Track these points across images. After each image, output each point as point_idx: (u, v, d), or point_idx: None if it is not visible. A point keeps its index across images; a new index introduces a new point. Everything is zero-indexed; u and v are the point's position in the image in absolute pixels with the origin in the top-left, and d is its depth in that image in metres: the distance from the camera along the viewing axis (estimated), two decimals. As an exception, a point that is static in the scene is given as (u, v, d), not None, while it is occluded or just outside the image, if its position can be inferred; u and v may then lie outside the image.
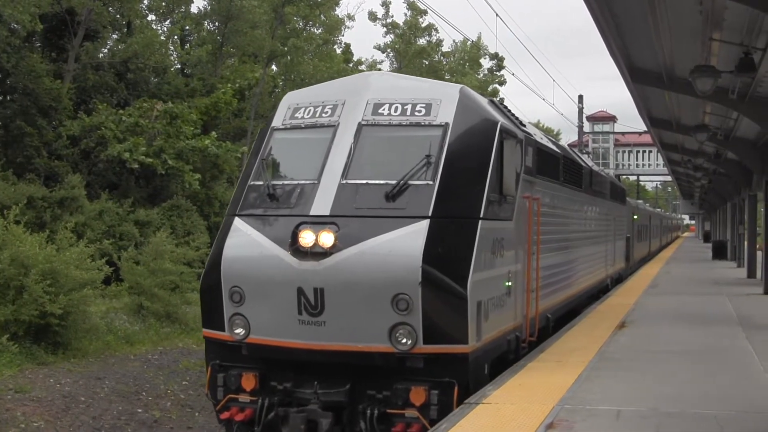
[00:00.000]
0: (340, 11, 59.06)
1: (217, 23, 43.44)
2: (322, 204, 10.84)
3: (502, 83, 65.15)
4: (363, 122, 11.46)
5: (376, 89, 11.92)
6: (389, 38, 59.66)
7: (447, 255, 10.64)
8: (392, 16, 59.79)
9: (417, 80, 13.84)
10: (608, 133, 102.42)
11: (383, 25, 59.63)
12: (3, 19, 29.21)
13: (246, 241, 11.12)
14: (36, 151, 31.05)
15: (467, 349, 10.53)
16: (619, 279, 30.42)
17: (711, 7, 14.58)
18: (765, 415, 9.63)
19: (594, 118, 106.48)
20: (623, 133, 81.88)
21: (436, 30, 59.83)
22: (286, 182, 11.56)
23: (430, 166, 10.96)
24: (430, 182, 10.87)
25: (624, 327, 17.18)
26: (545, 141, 16.41)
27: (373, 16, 59.45)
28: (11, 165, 29.88)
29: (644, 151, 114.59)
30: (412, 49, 57.67)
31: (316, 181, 11.12)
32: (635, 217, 39.11)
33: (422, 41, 59.29)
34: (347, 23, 55.93)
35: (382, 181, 10.91)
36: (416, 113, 11.48)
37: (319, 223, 10.61)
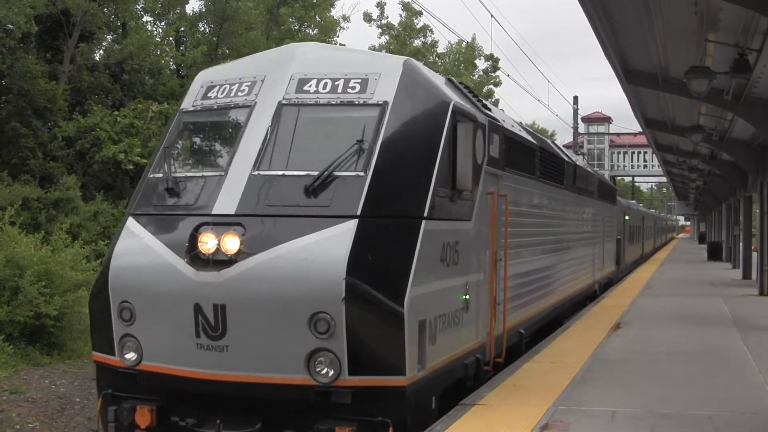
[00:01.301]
0: (335, 12, 59.00)
1: (212, 24, 43.44)
2: (227, 201, 8.97)
3: (497, 84, 65.15)
4: (284, 101, 9.56)
5: (303, 63, 9.96)
6: (384, 39, 59.63)
7: (379, 263, 8.74)
8: (387, 17, 59.84)
9: (355, 51, 11.60)
10: (603, 134, 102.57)
11: (378, 26, 59.67)
12: (-2, 20, 29.15)
13: (137, 246, 9.24)
14: (31, 152, 30.99)
15: (404, 382, 8.60)
16: (608, 284, 28.85)
17: (706, 8, 14.59)
18: (760, 416, 9.65)
19: (589, 119, 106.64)
20: (618, 134, 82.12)
21: (431, 31, 59.92)
22: (189, 174, 9.64)
23: (363, 154, 9.04)
24: (361, 173, 8.96)
25: (619, 328, 17.20)
26: (518, 130, 14.44)
27: (368, 17, 59.46)
28: (6, 166, 29.83)
29: (639, 152, 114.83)
30: (407, 51, 57.57)
31: (222, 173, 9.26)
32: (627, 217, 37.76)
33: (417, 42, 59.32)
34: (342, 24, 55.92)
35: (302, 173, 8.99)
36: (349, 90, 9.58)
37: (222, 224, 8.75)
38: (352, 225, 8.63)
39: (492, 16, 71.93)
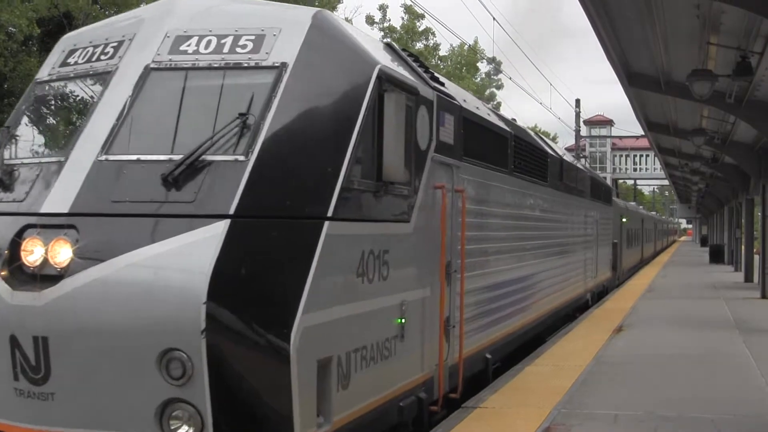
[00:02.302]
0: (338, 15, 59.05)
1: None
2: (61, 195, 6.66)
3: (499, 87, 65.24)
4: (152, 65, 7.32)
5: (182, 16, 7.68)
6: (387, 42, 59.60)
7: (258, 282, 6.44)
8: (389, 20, 59.83)
9: (254, 2, 8.33)
10: (605, 137, 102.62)
11: (380, 29, 59.66)
12: (0, 24, 29.22)
13: None
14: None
15: None
16: (603, 292, 26.55)
17: (708, 11, 14.59)
18: (762, 419, 9.63)
19: (591, 122, 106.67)
20: (620, 137, 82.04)
21: (433, 34, 59.90)
22: (26, 161, 7.40)
23: (246, 133, 6.77)
24: (241, 158, 6.64)
25: (621, 331, 17.19)
26: (485, 113, 12.20)
27: (370, 20, 59.47)
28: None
29: (641, 155, 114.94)
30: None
31: (62, 159, 6.97)
32: (624, 219, 35.78)
33: (419, 45, 59.32)
34: (344, 27, 55.80)
35: (163, 157, 6.71)
36: (238, 50, 7.31)
37: (53, 226, 6.46)
38: (221, 228, 6.29)
39: (494, 18, 71.87)
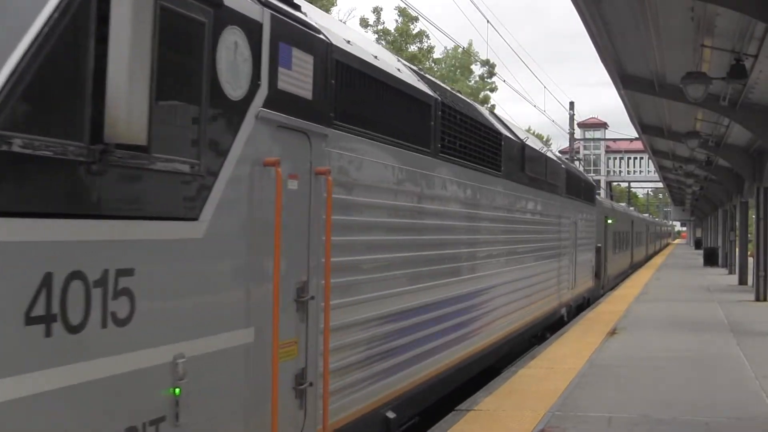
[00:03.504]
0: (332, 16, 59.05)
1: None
2: None
3: (493, 90, 65.21)
4: None
5: None
6: (380, 45, 59.76)
7: None
8: (383, 23, 59.86)
9: None
10: (599, 139, 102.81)
11: (374, 32, 59.68)
12: None
13: None
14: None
15: None
16: (582, 305, 23.35)
17: (703, 13, 14.59)
18: (757, 422, 9.61)
19: (585, 125, 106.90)
20: (614, 140, 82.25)
21: (428, 37, 59.90)
22: None
23: None
24: None
25: (615, 334, 17.18)
26: (384, 64, 8.86)
27: (364, 23, 59.46)
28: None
29: (635, 158, 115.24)
30: (403, 56, 57.72)
31: None
32: (609, 221, 32.32)
33: (413, 48, 59.34)
34: (339, 29, 55.91)
35: None
36: None
37: None
38: None
39: (488, 21, 72.04)
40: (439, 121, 10.15)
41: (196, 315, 5.33)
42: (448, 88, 12.31)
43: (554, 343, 15.83)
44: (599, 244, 27.61)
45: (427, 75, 11.55)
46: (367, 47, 8.86)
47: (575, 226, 21.07)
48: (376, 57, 8.68)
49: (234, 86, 5.74)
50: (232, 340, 5.71)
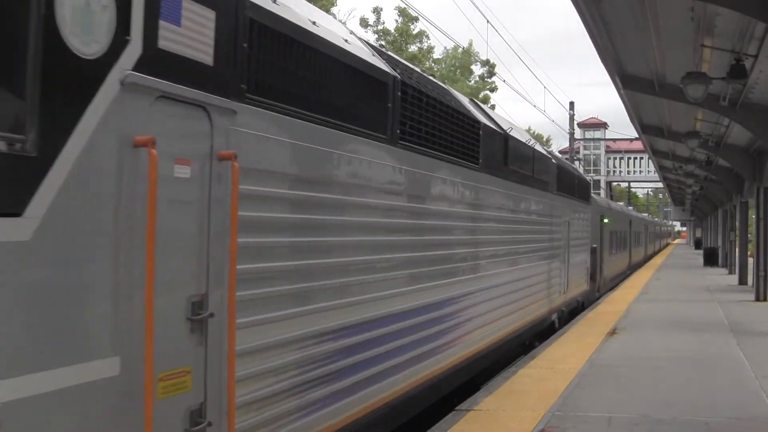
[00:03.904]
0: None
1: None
2: None
3: (493, 90, 65.22)
4: None
5: None
6: (380, 45, 59.75)
7: None
8: (383, 23, 59.88)
9: None
10: (599, 139, 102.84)
11: (374, 32, 59.69)
12: None
13: None
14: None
15: None
16: (576, 310, 21.95)
17: (703, 13, 14.59)
18: (757, 422, 9.61)
19: (585, 125, 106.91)
20: (614, 140, 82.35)
21: (428, 37, 59.94)
22: None
23: None
24: None
25: (615, 333, 17.18)
26: (334, 30, 7.90)
27: (364, 23, 59.47)
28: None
29: (635, 158, 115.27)
30: (403, 56, 57.71)
31: None
32: (606, 220, 30.91)
33: (413, 48, 59.35)
34: (339, 29, 55.88)
35: None
36: None
37: None
38: None
39: (488, 21, 72.02)
40: (398, 103, 8.77)
41: (19, 345, 3.93)
42: (417, 69, 10.79)
43: (554, 343, 15.83)
44: (595, 245, 26.54)
45: (388, 52, 10.23)
46: (304, 10, 7.27)
47: (568, 225, 19.79)
48: (314, 23, 7.14)
49: (84, 40, 4.33)
50: (82, 376, 4.29)
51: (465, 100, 12.82)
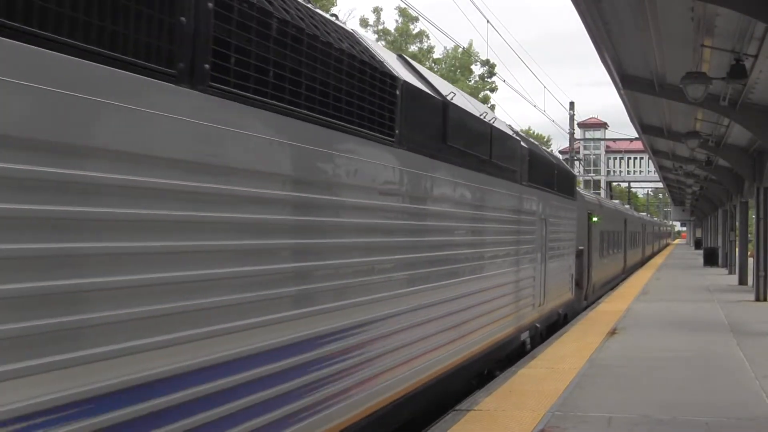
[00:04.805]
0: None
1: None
2: None
3: (493, 90, 65.27)
4: None
5: None
6: (380, 45, 59.72)
7: None
8: (383, 23, 59.96)
9: None
10: (599, 139, 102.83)
11: (375, 32, 59.73)
12: None
13: None
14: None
15: None
16: (557, 323, 18.84)
17: (703, 13, 14.58)
18: (757, 422, 9.61)
19: (585, 125, 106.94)
20: (614, 140, 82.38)
21: (428, 36, 60.03)
22: None
23: None
24: None
25: (615, 333, 17.18)
26: None
27: (364, 23, 59.53)
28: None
29: (635, 158, 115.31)
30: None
31: None
32: (595, 219, 27.16)
33: (413, 48, 59.39)
34: (339, 29, 55.92)
35: None
36: None
37: None
38: None
39: (488, 21, 72.00)
40: (305, 59, 6.25)
41: None
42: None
43: (554, 343, 15.83)
44: (581, 247, 23.01)
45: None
46: None
47: (544, 224, 16.32)
48: None
49: None
50: None
51: (385, 53, 9.42)
